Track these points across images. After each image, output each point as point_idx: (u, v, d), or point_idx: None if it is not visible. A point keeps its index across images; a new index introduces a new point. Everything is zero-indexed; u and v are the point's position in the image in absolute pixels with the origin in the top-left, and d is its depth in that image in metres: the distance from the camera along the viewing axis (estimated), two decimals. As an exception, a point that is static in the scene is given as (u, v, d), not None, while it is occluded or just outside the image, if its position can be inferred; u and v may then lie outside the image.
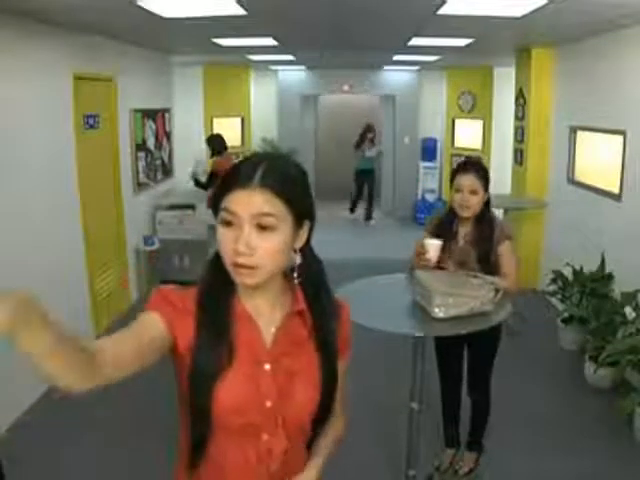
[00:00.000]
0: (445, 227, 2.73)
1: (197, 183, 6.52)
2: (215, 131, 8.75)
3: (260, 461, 1.21)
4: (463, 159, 3.06)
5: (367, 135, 9.72)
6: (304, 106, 10.27)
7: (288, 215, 1.12)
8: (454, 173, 2.71)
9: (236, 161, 1.20)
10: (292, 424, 1.22)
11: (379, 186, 10.43)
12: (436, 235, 2.69)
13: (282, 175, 1.13)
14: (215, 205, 1.15)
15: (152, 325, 1.14)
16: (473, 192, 2.62)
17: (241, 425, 1.18)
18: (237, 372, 1.15)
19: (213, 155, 6.46)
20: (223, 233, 1.13)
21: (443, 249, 2.55)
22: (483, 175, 2.65)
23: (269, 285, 1.18)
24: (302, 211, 1.16)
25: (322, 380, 1.24)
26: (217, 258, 1.18)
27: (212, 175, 6.27)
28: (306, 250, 1.22)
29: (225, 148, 6.48)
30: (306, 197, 1.18)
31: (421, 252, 2.53)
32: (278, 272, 1.18)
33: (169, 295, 1.18)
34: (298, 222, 1.16)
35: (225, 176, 1.15)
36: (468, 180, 2.62)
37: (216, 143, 6.44)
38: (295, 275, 1.21)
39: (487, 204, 2.70)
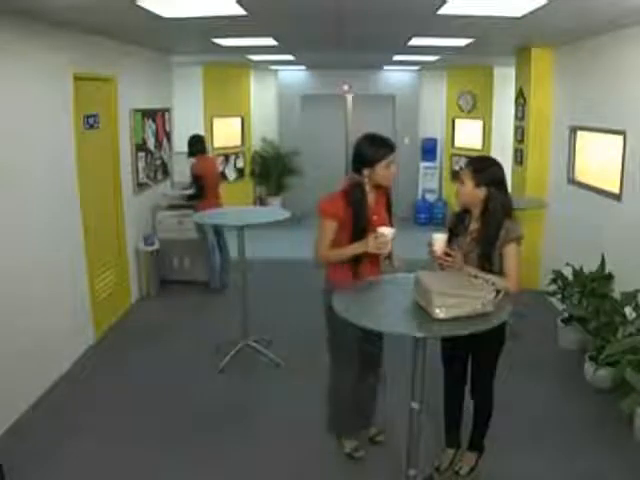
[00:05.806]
0: (459, 222, 2.90)
1: (190, 197, 6.11)
2: (215, 130, 8.76)
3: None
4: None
5: None
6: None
7: None
8: None
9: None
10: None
11: None
12: (451, 229, 2.89)
13: None
14: None
15: (333, 227, 2.87)
16: (462, 182, 2.79)
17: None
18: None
19: (190, 156, 6.19)
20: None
21: (450, 240, 2.75)
22: (473, 169, 2.75)
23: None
24: None
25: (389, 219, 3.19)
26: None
27: (196, 178, 5.94)
28: None
29: (204, 150, 6.23)
30: None
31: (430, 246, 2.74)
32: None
33: (329, 205, 2.89)
34: None
35: None
36: (462, 171, 2.83)
37: (198, 144, 6.20)
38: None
39: (487, 201, 2.72)
